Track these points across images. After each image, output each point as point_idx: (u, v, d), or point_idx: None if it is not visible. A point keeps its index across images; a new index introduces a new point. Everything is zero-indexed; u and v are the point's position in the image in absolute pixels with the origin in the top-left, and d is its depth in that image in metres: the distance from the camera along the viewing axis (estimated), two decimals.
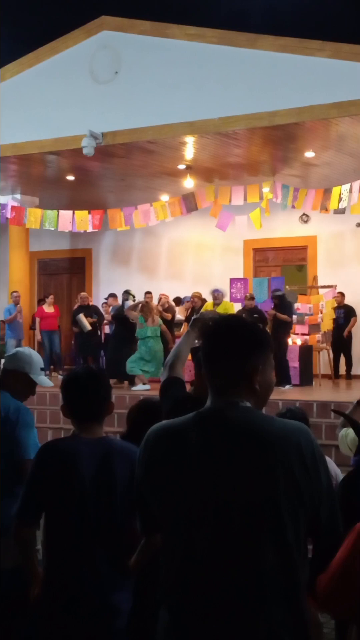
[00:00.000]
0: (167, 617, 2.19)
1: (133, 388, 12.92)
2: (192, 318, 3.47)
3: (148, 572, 2.97)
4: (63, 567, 3.16)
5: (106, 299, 15.85)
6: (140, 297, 14.63)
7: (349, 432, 4.42)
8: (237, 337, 2.25)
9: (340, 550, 2.56)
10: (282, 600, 2.09)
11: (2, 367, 4.32)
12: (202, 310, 13.29)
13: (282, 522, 2.09)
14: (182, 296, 15.66)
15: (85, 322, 14.56)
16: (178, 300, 15.45)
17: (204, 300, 14.18)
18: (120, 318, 13.78)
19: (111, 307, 15.15)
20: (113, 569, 3.16)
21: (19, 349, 4.42)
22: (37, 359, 4.25)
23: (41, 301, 16.81)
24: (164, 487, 2.20)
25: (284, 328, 13.14)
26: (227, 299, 14.12)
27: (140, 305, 13.50)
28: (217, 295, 13.69)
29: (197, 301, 14.31)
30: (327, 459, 4.48)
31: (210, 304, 13.71)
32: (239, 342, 2.24)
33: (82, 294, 15.89)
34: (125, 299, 14.66)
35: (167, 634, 2.18)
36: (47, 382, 4.34)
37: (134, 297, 14.77)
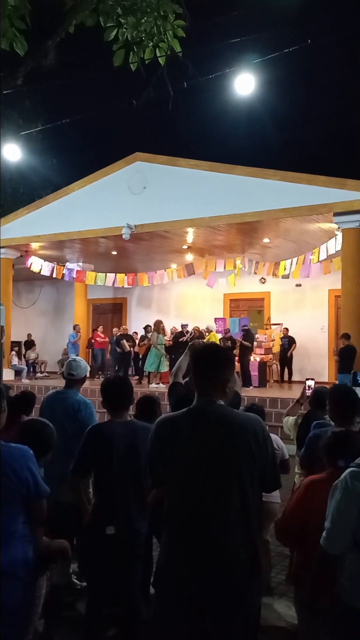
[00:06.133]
0: (166, 538, 2.19)
1: (151, 385, 12.92)
2: (189, 343, 3.50)
3: (157, 510, 2.98)
4: (106, 504, 3.13)
5: (145, 328, 14.94)
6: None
7: (289, 419, 4.56)
8: (215, 358, 2.25)
9: (291, 501, 2.57)
10: (241, 528, 2.09)
11: (70, 374, 4.24)
12: (198, 340, 13.42)
13: (242, 477, 2.11)
14: (184, 328, 15.52)
15: (125, 344, 14.44)
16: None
17: (201, 332, 14.05)
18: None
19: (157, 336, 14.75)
20: (137, 506, 3.13)
21: (80, 361, 4.27)
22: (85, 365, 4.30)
23: (94, 331, 16.78)
24: (167, 456, 2.20)
25: (248, 350, 13.15)
26: (214, 331, 14.14)
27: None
28: (209, 328, 14.01)
29: (195, 332, 14.33)
30: (274, 436, 4.55)
31: (213, 334, 13.78)
32: (216, 362, 2.24)
33: (123, 326, 15.60)
34: (148, 332, 14.65)
35: (166, 549, 2.19)
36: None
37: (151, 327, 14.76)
